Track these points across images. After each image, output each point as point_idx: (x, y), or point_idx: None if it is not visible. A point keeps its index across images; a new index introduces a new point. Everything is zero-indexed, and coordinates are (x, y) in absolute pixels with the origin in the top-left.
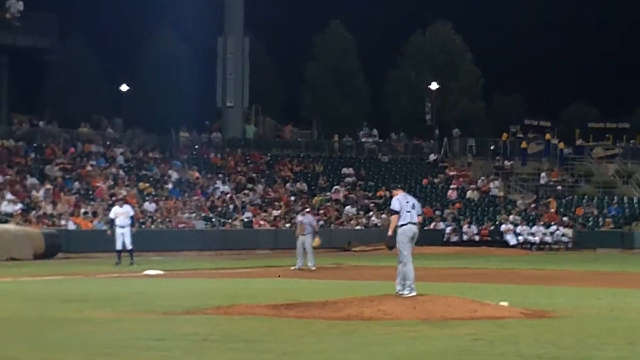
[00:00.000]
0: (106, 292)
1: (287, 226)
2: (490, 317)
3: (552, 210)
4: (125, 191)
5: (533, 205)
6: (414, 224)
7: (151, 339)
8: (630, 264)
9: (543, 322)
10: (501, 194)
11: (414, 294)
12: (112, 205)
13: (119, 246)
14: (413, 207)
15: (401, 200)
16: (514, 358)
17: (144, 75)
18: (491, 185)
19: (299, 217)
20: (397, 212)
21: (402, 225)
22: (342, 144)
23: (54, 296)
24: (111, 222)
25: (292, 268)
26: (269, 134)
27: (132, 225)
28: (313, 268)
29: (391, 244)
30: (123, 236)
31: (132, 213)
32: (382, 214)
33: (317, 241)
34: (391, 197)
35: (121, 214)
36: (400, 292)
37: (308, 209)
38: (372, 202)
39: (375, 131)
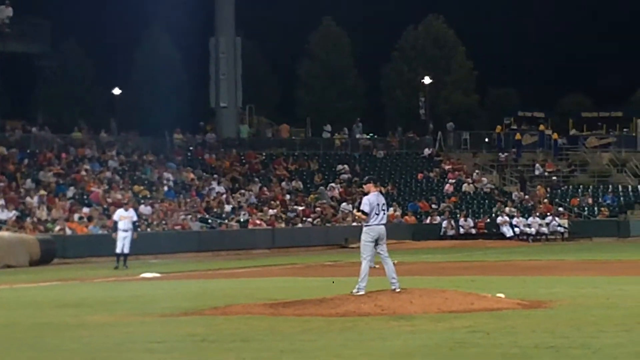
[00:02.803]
0: (103, 296)
1: (282, 225)
2: (487, 309)
3: (542, 196)
4: (120, 195)
5: (527, 197)
6: (381, 225)
7: (149, 341)
8: (626, 252)
9: (540, 312)
10: (488, 189)
11: (361, 293)
12: (107, 209)
13: (119, 249)
14: (383, 208)
15: (372, 201)
16: (510, 348)
17: (137, 78)
18: (484, 179)
19: None
20: (366, 214)
21: (368, 225)
22: (341, 141)
23: (51, 302)
24: (114, 225)
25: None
26: (263, 133)
27: (134, 230)
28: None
29: None
30: (124, 240)
31: (135, 218)
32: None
33: None
34: (364, 193)
35: (125, 217)
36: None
37: None
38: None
39: (359, 125)
